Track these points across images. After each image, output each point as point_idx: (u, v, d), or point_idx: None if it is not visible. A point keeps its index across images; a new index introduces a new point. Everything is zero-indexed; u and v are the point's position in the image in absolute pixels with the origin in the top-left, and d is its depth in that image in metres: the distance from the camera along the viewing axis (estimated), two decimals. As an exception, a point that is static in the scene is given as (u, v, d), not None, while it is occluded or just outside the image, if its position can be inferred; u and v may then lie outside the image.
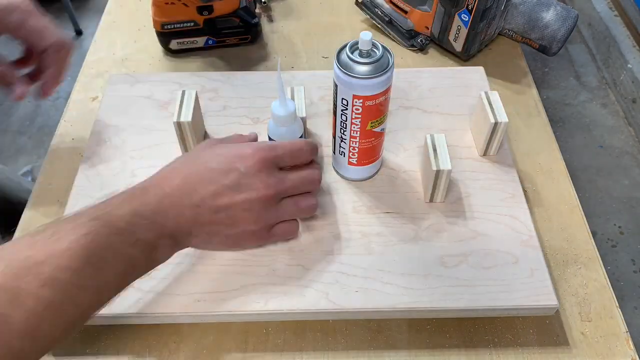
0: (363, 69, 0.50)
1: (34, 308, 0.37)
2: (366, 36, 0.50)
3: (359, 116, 0.53)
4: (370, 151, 0.58)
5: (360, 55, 0.51)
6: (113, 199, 0.45)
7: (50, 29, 0.58)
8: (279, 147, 0.50)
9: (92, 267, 0.41)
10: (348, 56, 0.51)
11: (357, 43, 0.51)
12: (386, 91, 0.52)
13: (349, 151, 0.58)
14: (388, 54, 0.52)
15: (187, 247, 0.49)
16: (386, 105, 0.54)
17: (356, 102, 0.52)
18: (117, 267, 0.43)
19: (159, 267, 0.54)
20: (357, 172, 0.61)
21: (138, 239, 0.44)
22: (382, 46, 0.51)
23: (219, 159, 0.49)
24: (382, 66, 0.51)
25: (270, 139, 0.58)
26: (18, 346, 0.37)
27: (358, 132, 0.55)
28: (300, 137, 0.58)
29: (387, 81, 0.51)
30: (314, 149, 0.53)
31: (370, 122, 0.54)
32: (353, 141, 0.56)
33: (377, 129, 0.56)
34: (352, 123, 0.54)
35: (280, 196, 0.50)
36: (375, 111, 0.53)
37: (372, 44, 0.51)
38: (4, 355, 0.37)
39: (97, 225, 0.42)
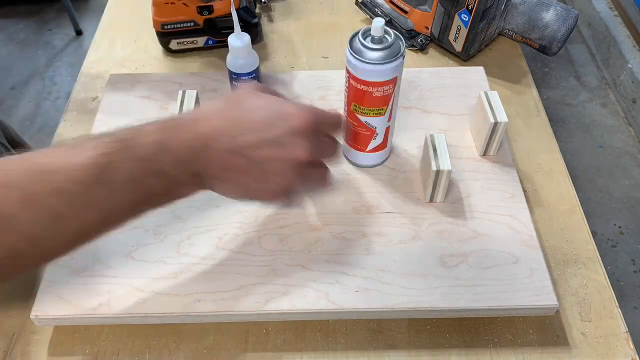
0: (366, 52, 0.52)
1: (39, 214, 0.38)
2: (379, 22, 0.51)
3: (346, 90, 0.56)
4: (355, 134, 0.59)
5: (372, 40, 0.52)
6: (145, 126, 0.44)
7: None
8: (322, 114, 0.49)
9: (102, 187, 0.40)
10: (359, 38, 0.53)
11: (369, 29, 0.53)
12: (371, 83, 0.53)
13: (343, 122, 0.58)
14: (395, 52, 0.52)
15: (209, 190, 0.47)
16: (372, 100, 0.54)
17: (347, 75, 0.55)
18: (131, 193, 0.42)
19: (159, 267, 0.54)
20: (349, 151, 0.62)
21: (161, 170, 0.43)
22: (394, 40, 0.52)
23: (263, 111, 0.46)
24: (381, 57, 0.51)
25: (230, 71, 0.64)
26: (20, 249, 0.38)
27: (346, 106, 0.58)
28: (257, 68, 0.66)
29: (374, 73, 0.52)
30: (342, 121, 0.54)
31: (353, 104, 0.56)
32: (344, 112, 0.59)
33: (361, 117, 0.56)
34: (344, 91, 0.57)
35: (311, 162, 0.48)
36: (359, 95, 0.54)
37: (385, 31, 0.52)
38: (5, 255, 0.38)
39: (118, 148, 0.41)
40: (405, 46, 0.81)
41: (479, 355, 0.51)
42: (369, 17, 0.85)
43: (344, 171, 0.62)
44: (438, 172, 0.56)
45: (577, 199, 0.63)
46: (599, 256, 0.59)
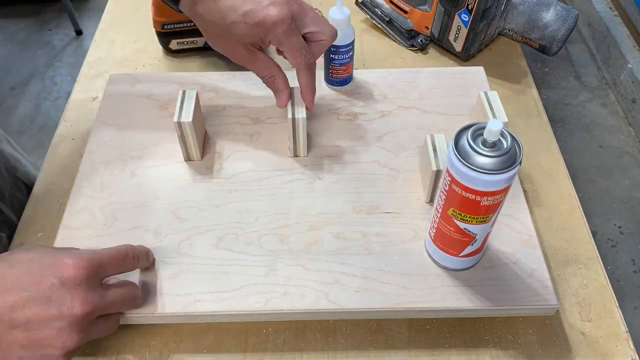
0: (477, 157, 0.43)
1: None
2: (495, 126, 0.42)
3: (445, 193, 0.48)
4: (449, 239, 0.51)
5: (484, 143, 0.44)
6: None
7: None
8: (102, 256, 0.45)
9: None
10: (467, 138, 0.44)
11: (483, 128, 0.44)
12: (480, 193, 0.44)
13: (432, 220, 0.53)
14: (512, 159, 0.43)
15: None
16: (478, 209, 0.46)
17: (447, 177, 0.46)
18: None
19: (159, 267, 0.54)
20: (437, 252, 0.54)
21: None
22: (511, 145, 0.44)
23: (30, 265, 0.41)
24: (496, 165, 0.43)
25: None
26: None
27: (440, 208, 0.50)
28: (352, 41, 0.66)
29: (485, 183, 0.43)
30: (141, 255, 0.50)
31: (452, 209, 0.48)
32: (436, 212, 0.51)
33: (460, 224, 0.48)
34: (440, 192, 0.49)
35: (97, 314, 0.43)
36: (463, 203, 0.46)
37: (501, 134, 0.44)
38: None
39: None
40: (406, 46, 0.82)
41: (479, 355, 0.51)
42: (369, 17, 0.85)
43: (343, 171, 0.63)
44: (438, 172, 0.56)
45: (577, 199, 0.63)
46: (599, 256, 0.59)
